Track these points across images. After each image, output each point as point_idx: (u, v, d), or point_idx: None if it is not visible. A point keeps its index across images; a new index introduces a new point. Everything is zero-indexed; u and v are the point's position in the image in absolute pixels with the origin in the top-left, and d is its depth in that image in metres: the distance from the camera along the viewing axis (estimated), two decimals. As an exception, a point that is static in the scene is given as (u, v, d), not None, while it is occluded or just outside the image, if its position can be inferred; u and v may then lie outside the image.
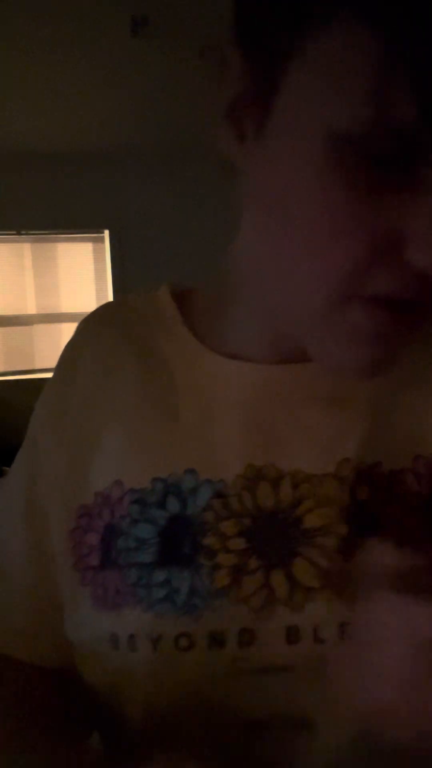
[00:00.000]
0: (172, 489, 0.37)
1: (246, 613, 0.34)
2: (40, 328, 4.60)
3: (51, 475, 0.43)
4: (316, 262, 0.29)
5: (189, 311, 0.44)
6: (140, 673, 0.35)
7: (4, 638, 0.44)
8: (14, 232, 4.45)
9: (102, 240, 4.56)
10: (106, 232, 4.50)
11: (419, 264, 0.26)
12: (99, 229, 4.51)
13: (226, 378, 0.39)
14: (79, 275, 4.60)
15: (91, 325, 0.47)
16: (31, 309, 4.58)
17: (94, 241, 4.58)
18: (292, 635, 0.33)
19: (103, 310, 0.49)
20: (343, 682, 0.30)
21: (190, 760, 0.31)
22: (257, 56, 0.30)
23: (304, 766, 0.34)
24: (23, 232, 4.46)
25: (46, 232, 4.50)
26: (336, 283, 0.29)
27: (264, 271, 0.35)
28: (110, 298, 4.57)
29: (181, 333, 0.42)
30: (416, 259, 0.26)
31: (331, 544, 0.34)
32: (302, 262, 0.30)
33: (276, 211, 0.31)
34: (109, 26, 3.09)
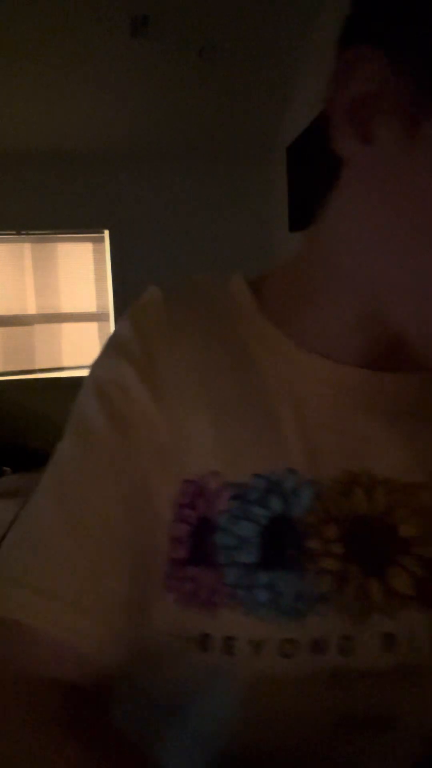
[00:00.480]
0: (274, 487, 0.36)
1: (346, 620, 0.34)
2: (40, 328, 4.60)
3: (151, 460, 0.38)
4: None
5: (265, 300, 0.42)
6: (236, 677, 0.34)
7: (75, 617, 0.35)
8: (14, 232, 4.45)
9: (102, 240, 4.56)
10: (106, 232, 4.50)
11: None
12: (99, 229, 4.51)
13: (320, 378, 0.38)
14: (79, 275, 4.60)
15: (163, 303, 0.42)
16: (31, 309, 4.58)
17: (94, 241, 4.58)
18: (388, 643, 0.33)
19: (179, 292, 0.45)
20: None
21: None
22: (408, 57, 0.29)
23: (386, 761, 0.35)
24: (23, 232, 4.46)
25: (46, 232, 4.49)
26: None
27: (373, 264, 0.33)
28: (110, 298, 4.57)
29: (260, 323, 0.41)
30: None
31: (427, 554, 0.34)
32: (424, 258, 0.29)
33: (404, 212, 0.30)
34: (109, 26, 3.09)
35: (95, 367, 0.43)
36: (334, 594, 0.34)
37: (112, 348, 0.43)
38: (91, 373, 0.43)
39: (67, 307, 4.60)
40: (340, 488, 0.36)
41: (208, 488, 0.37)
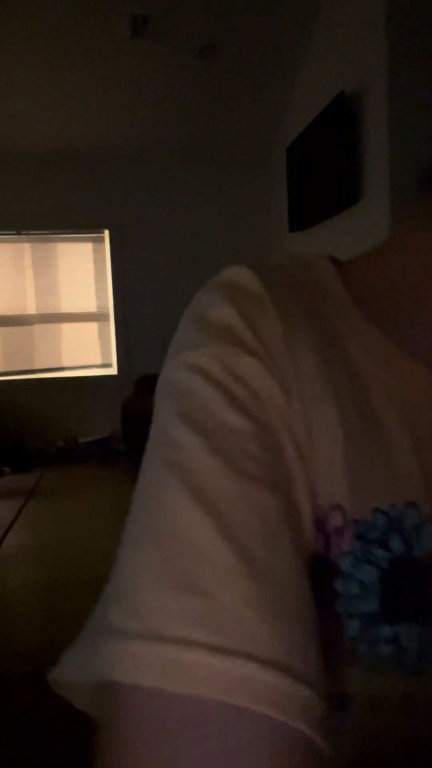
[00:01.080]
0: (395, 525, 0.31)
1: None
2: (40, 328, 4.60)
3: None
4: None
5: (356, 294, 0.36)
6: (347, 734, 0.30)
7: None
8: (14, 232, 4.45)
9: (102, 240, 4.56)
10: (106, 232, 4.51)
11: None
12: (99, 229, 4.52)
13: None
14: (79, 275, 4.61)
15: (277, 298, 0.35)
16: (31, 309, 4.58)
17: (94, 241, 4.58)
18: None
19: (275, 279, 0.36)
20: None
21: None
22: None
23: None
24: (23, 232, 4.46)
25: (46, 232, 4.50)
26: None
27: None
28: (110, 298, 4.58)
29: (364, 327, 0.35)
30: None
31: None
32: None
33: None
34: (109, 26, 3.09)
35: (198, 357, 0.33)
36: None
37: (219, 334, 0.34)
38: (198, 363, 0.33)
39: (67, 307, 4.60)
40: None
41: (330, 523, 0.31)
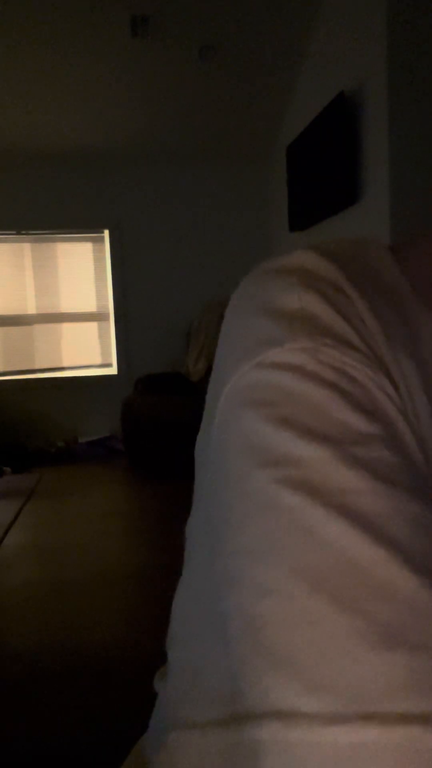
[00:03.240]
0: None
1: None
2: (40, 328, 4.60)
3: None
4: None
5: (414, 280, 0.34)
6: None
7: None
8: (14, 232, 4.45)
9: (102, 240, 4.56)
10: (106, 232, 4.51)
11: None
12: (99, 229, 4.52)
13: None
14: (79, 275, 4.61)
15: (363, 291, 0.32)
16: (31, 309, 4.58)
17: (94, 241, 4.58)
18: None
19: (355, 270, 0.33)
20: None
21: None
22: None
23: None
24: (23, 232, 4.46)
25: (46, 232, 4.50)
26: None
27: None
28: (110, 298, 4.58)
29: (421, 310, 0.32)
30: None
31: None
32: None
33: None
34: (109, 26, 3.09)
35: (276, 349, 0.29)
36: None
37: (304, 325, 0.29)
38: (270, 358, 0.29)
39: (67, 307, 4.60)
40: None
41: None
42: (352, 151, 2.89)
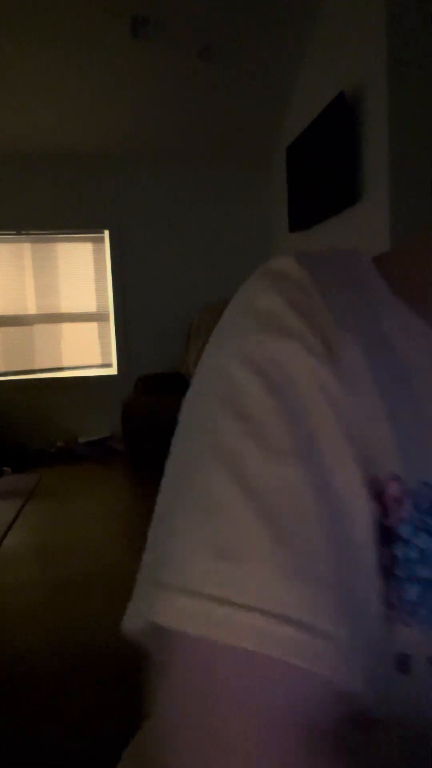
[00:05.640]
0: None
1: None
2: (40, 328, 4.60)
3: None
4: None
5: (395, 285, 0.38)
6: (407, 696, 0.32)
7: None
8: (14, 232, 4.45)
9: (102, 240, 4.56)
10: (106, 232, 4.51)
11: None
12: (99, 229, 4.52)
13: None
14: (79, 275, 4.61)
15: (327, 289, 0.37)
16: (31, 309, 4.58)
17: (94, 241, 4.58)
18: None
19: (322, 269, 0.38)
20: None
21: None
22: None
23: None
24: (23, 232, 4.46)
25: (46, 232, 4.50)
26: None
27: None
28: (110, 298, 4.58)
29: (403, 312, 0.37)
30: None
31: None
32: None
33: None
34: (109, 26, 3.09)
35: (241, 343, 0.35)
36: None
37: (262, 321, 0.36)
38: (240, 349, 0.35)
39: (67, 307, 4.60)
40: None
41: (389, 493, 0.33)
42: (352, 151, 2.89)
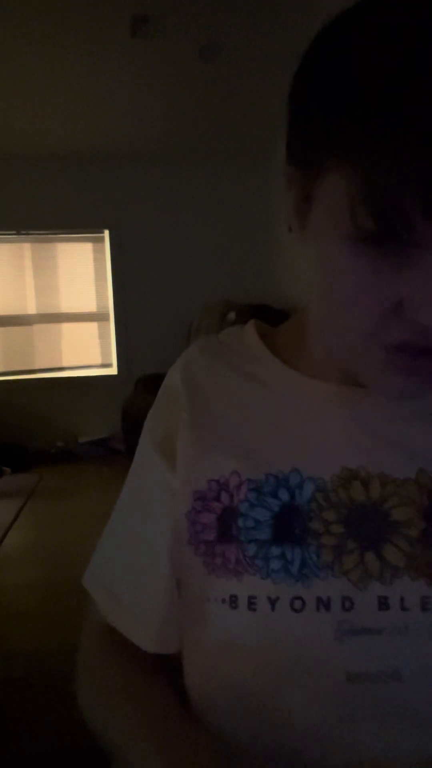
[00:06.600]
0: (282, 483, 0.46)
1: (346, 584, 0.42)
2: (40, 328, 4.60)
3: (180, 468, 0.50)
4: (347, 318, 0.39)
5: (272, 344, 0.54)
6: (258, 629, 0.43)
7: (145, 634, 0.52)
8: (14, 232, 4.45)
9: (102, 240, 4.56)
10: (106, 232, 4.51)
11: (420, 320, 0.35)
12: (99, 229, 4.52)
13: (318, 394, 0.49)
14: (79, 275, 4.61)
15: (200, 354, 0.56)
16: (31, 309, 4.58)
17: (94, 241, 4.58)
18: (383, 604, 0.42)
19: (205, 344, 0.58)
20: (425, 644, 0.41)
21: None
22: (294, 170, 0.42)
23: (397, 714, 0.41)
24: (23, 232, 4.46)
25: (46, 232, 4.50)
26: (362, 333, 0.39)
27: (321, 321, 0.46)
28: (110, 298, 4.58)
29: (268, 359, 0.53)
30: (416, 317, 0.35)
31: (413, 534, 0.43)
32: (340, 318, 0.40)
33: (323, 281, 0.42)
34: (109, 26, 3.09)
35: (150, 418, 0.56)
36: (334, 563, 0.43)
37: (164, 397, 0.56)
38: (147, 423, 0.56)
39: (67, 307, 4.60)
40: (339, 482, 0.45)
41: (230, 485, 0.47)
42: (352, 151, 2.88)
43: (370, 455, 0.46)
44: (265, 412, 0.50)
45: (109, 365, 4.69)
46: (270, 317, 3.88)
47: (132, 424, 3.90)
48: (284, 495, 0.45)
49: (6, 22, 3.02)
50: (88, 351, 4.69)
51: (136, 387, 4.22)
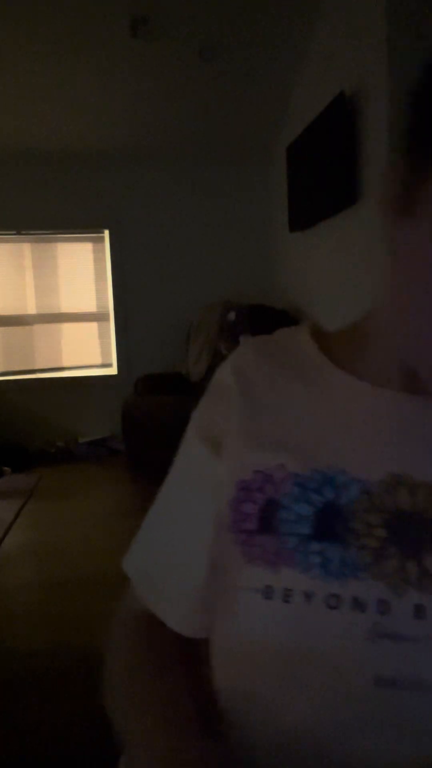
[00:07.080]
0: (328, 481, 0.47)
1: (384, 588, 0.42)
2: (40, 328, 4.60)
3: (226, 459, 0.52)
4: None
5: (326, 347, 0.55)
6: (290, 622, 0.43)
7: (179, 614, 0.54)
8: (14, 232, 4.45)
9: (102, 240, 4.56)
10: (106, 232, 4.51)
11: None
12: (99, 229, 4.52)
13: (370, 398, 0.50)
14: (79, 275, 4.61)
15: (252, 352, 0.57)
16: (31, 309, 4.58)
17: (94, 241, 4.58)
18: (420, 612, 0.41)
19: (258, 343, 0.59)
20: None
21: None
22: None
23: (418, 725, 0.41)
24: (23, 232, 4.46)
25: (46, 232, 4.50)
26: None
27: (402, 321, 0.46)
28: (110, 298, 4.58)
29: (323, 361, 0.54)
30: None
31: None
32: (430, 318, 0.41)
33: (420, 278, 0.42)
34: (109, 26, 3.09)
35: (198, 410, 0.58)
36: (373, 566, 0.43)
37: (215, 392, 0.57)
38: (194, 415, 0.58)
39: (67, 307, 4.60)
40: (385, 487, 0.45)
41: (275, 477, 0.48)
42: (352, 151, 2.89)
43: (420, 464, 0.46)
44: (315, 412, 0.51)
45: (109, 365, 4.69)
46: (270, 317, 3.87)
47: (132, 424, 3.90)
48: (329, 493, 0.46)
49: (6, 22, 3.02)
50: (88, 351, 4.69)
51: (136, 387, 4.22)
